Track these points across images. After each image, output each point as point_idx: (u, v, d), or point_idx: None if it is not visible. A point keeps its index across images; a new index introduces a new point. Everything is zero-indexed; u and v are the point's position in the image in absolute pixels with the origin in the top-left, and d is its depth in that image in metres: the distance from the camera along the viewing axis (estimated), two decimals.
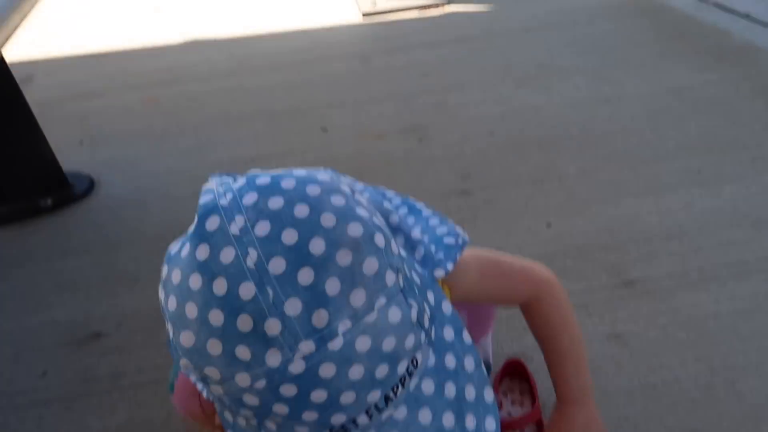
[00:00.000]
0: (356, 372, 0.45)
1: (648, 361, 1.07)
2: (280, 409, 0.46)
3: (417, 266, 0.57)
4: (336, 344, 0.44)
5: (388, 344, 0.47)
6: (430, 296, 0.55)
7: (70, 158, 1.78)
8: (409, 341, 0.49)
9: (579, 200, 1.49)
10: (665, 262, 1.28)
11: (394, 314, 0.47)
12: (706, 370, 1.04)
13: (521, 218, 1.44)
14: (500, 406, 0.97)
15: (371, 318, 0.45)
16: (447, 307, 0.57)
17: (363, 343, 0.45)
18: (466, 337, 0.56)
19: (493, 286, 0.79)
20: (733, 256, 1.28)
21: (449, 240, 0.69)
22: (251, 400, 0.46)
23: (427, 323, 0.52)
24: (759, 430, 0.94)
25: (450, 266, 0.63)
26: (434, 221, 0.74)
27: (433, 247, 0.65)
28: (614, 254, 1.31)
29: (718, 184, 1.51)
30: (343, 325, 0.44)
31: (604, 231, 1.38)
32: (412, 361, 0.50)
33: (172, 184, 1.65)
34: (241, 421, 0.50)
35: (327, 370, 0.44)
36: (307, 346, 0.43)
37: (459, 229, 0.71)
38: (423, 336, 0.51)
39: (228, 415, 0.51)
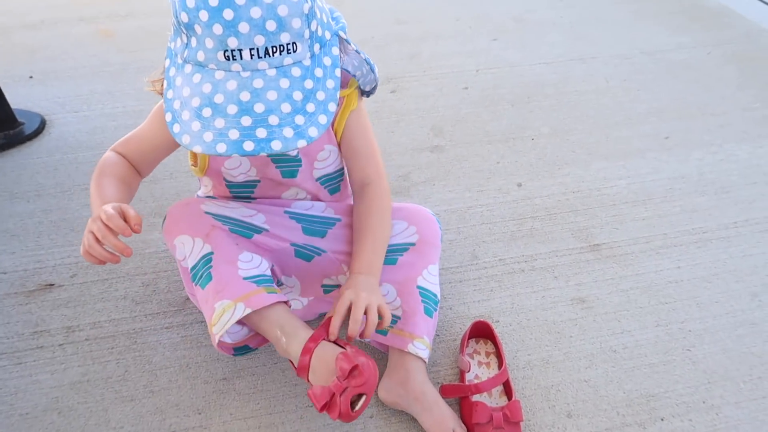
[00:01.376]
0: (255, 12, 0.70)
1: (610, 326, 1.09)
2: (203, 14, 0.69)
3: (330, 17, 0.81)
4: None
5: (282, 10, 0.71)
6: (327, 34, 0.78)
7: (18, 94, 1.67)
8: (296, 23, 0.72)
9: (550, 161, 1.48)
10: (631, 227, 1.29)
11: None
12: (665, 336, 1.07)
13: (492, 177, 1.42)
14: (468, 367, 0.97)
15: None
16: (335, 51, 0.80)
17: None
18: (338, 72, 0.78)
19: (363, 139, 0.96)
20: (696, 223, 1.30)
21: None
22: (190, 3, 0.70)
23: (315, 31, 0.75)
24: (711, 395, 0.97)
25: (353, 46, 0.84)
26: None
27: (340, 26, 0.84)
28: (582, 217, 1.31)
29: (685, 150, 1.52)
30: None
31: (573, 194, 1.38)
32: (293, 45, 0.73)
33: (130, 127, 1.55)
34: (175, 45, 0.76)
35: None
36: None
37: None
38: (307, 33, 0.74)
39: (171, 68, 0.77)
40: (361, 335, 0.85)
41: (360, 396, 0.80)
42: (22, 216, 1.29)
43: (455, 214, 1.32)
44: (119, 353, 1.02)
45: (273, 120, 0.72)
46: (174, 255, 0.91)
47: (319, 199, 1.03)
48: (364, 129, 0.97)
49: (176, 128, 0.73)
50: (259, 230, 0.94)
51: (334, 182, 1.03)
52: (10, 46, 1.99)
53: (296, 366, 0.84)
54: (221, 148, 0.71)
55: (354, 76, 0.92)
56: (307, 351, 0.82)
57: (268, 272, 0.92)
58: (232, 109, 0.71)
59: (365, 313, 0.84)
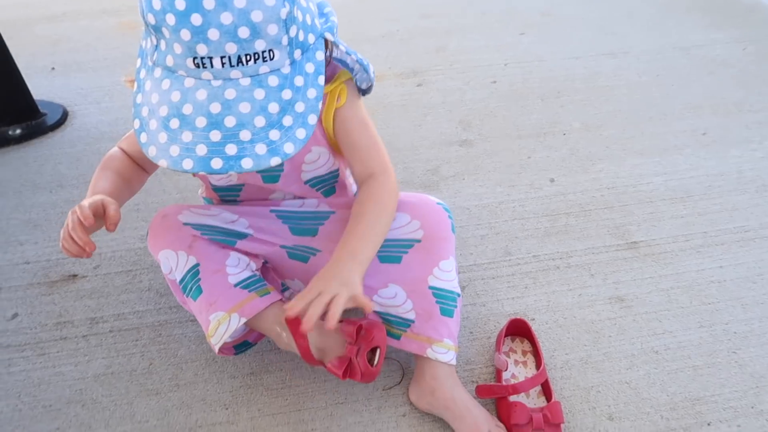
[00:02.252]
0: (226, 18, 0.63)
1: (650, 326, 1.04)
2: (170, 18, 0.63)
3: (316, 17, 0.74)
4: None
5: (256, 16, 0.64)
6: (311, 38, 0.72)
7: (40, 85, 1.65)
8: (272, 29, 0.66)
9: (583, 156, 1.43)
10: (669, 225, 1.24)
11: (270, 1, 0.64)
12: (709, 337, 1.02)
13: (524, 172, 1.38)
14: (505, 366, 0.93)
15: None
16: (320, 55, 0.73)
17: (239, 2, 0.63)
18: (321, 80, 0.72)
19: (359, 133, 0.87)
20: (737, 222, 1.24)
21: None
22: (156, 5, 0.64)
23: (296, 36, 0.69)
24: (760, 400, 0.93)
25: (342, 47, 0.77)
26: None
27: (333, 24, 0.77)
28: (618, 214, 1.27)
29: (723, 147, 1.47)
30: None
31: (608, 190, 1.33)
32: (270, 52, 0.67)
33: None
34: (146, 44, 0.70)
35: (208, 4, 0.62)
36: None
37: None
38: (285, 39, 0.68)
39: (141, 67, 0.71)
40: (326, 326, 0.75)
41: (374, 351, 0.81)
42: (44, 206, 1.27)
43: (486, 209, 1.28)
44: (144, 346, 0.99)
45: (245, 135, 0.66)
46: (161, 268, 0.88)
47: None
48: (360, 124, 0.87)
49: (143, 138, 0.68)
50: (242, 235, 0.90)
51: (326, 184, 0.95)
52: (32, 37, 1.98)
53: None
54: (187, 164, 0.65)
55: (351, 70, 0.84)
56: (305, 353, 0.81)
57: (258, 272, 0.89)
58: (201, 122, 0.66)
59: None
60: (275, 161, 0.67)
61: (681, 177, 1.37)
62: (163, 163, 0.66)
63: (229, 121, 0.66)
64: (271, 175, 0.90)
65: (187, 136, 0.66)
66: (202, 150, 0.66)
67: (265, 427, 0.88)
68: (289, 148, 0.68)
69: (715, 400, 0.93)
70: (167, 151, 0.66)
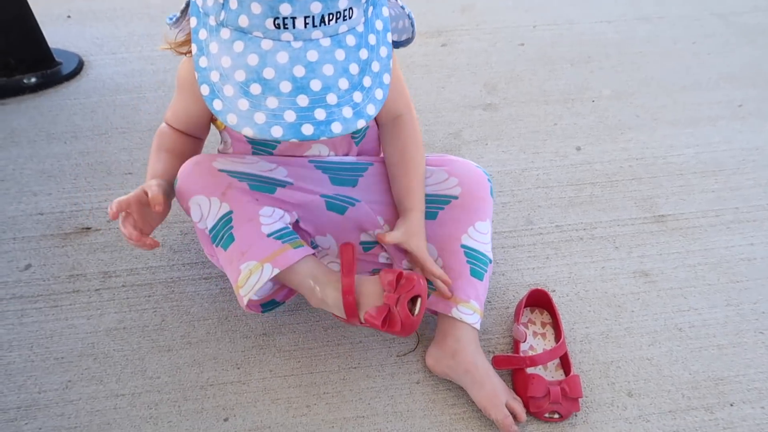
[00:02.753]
0: None
1: (675, 302, 1.01)
2: None
3: None
4: None
5: None
6: None
7: (56, 33, 1.61)
8: None
9: (612, 125, 1.38)
10: (699, 199, 1.19)
11: None
12: (736, 316, 0.99)
13: (549, 139, 1.33)
14: (523, 337, 0.90)
15: None
16: (386, 11, 0.72)
17: None
18: (389, 37, 0.72)
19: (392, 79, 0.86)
20: None
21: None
22: None
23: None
24: None
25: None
26: None
27: None
28: (646, 186, 1.22)
29: (760, 120, 1.40)
30: None
31: (637, 161, 1.28)
32: (350, 10, 0.65)
33: (168, 71, 1.50)
34: (204, 1, 0.66)
35: None
36: None
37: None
38: None
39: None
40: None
41: (415, 300, 0.77)
42: (58, 157, 1.25)
43: (509, 176, 1.24)
44: (156, 302, 0.98)
45: (331, 99, 0.64)
46: (189, 217, 0.85)
47: (346, 153, 0.95)
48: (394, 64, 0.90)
49: (218, 105, 0.65)
50: (282, 183, 0.85)
51: (360, 132, 0.93)
52: None
53: (340, 314, 0.80)
54: (277, 132, 0.63)
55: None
56: (349, 290, 0.77)
57: (290, 226, 0.85)
58: (286, 87, 0.63)
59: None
60: (361, 123, 0.66)
61: (713, 150, 1.31)
62: (248, 131, 0.64)
63: (315, 85, 0.64)
64: None
65: (272, 102, 0.64)
66: (290, 116, 0.63)
67: (276, 389, 0.87)
68: (371, 110, 0.67)
69: (739, 381, 0.90)
70: (251, 118, 0.64)
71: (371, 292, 0.79)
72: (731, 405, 0.87)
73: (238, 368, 0.90)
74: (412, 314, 0.77)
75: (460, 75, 1.53)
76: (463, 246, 0.89)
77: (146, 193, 0.77)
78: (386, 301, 0.77)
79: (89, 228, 1.10)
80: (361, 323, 0.79)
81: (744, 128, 1.37)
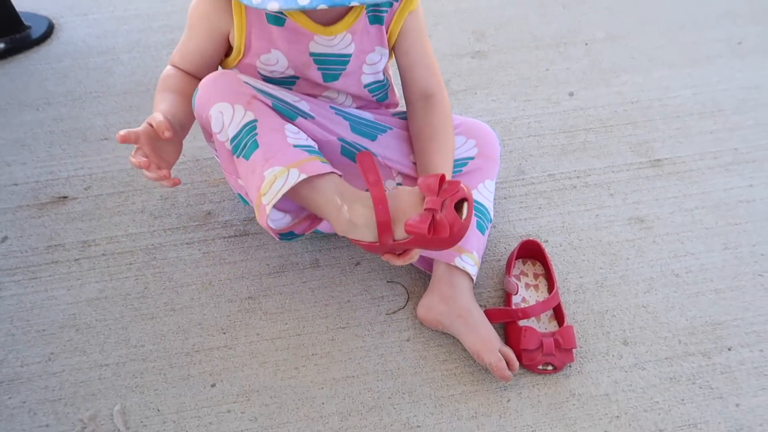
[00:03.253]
0: None
1: (672, 247, 0.98)
2: None
3: None
4: None
5: None
6: None
7: None
8: None
9: (606, 68, 1.32)
10: (697, 142, 1.15)
11: None
12: (734, 259, 0.96)
13: (541, 85, 1.28)
14: (515, 290, 0.88)
15: None
16: None
17: None
18: None
19: (421, 46, 0.87)
20: None
21: None
22: None
23: None
24: None
25: None
26: None
27: None
28: (641, 130, 1.18)
29: (760, 57, 1.35)
30: None
31: (632, 104, 1.23)
32: None
33: (143, 31, 1.44)
34: None
35: None
36: None
37: None
38: None
39: None
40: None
41: (461, 204, 0.70)
42: (32, 125, 1.21)
43: (499, 125, 1.19)
44: (138, 269, 0.95)
45: None
46: (208, 130, 0.80)
47: (363, 108, 0.92)
48: (425, 38, 0.87)
49: None
50: (304, 115, 0.81)
51: (381, 90, 0.92)
52: None
53: (371, 235, 0.73)
54: (273, 5, 0.65)
55: None
56: (380, 198, 0.71)
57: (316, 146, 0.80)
58: None
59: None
60: None
61: (712, 90, 1.26)
62: (274, 5, 0.66)
63: None
64: (333, 72, 0.84)
65: None
66: None
67: (263, 352, 0.85)
68: None
69: (737, 325, 0.88)
70: None
71: (407, 202, 0.72)
72: (729, 349, 0.85)
73: (224, 333, 0.88)
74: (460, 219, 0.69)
75: (447, 23, 1.46)
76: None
77: (151, 126, 0.72)
78: (429, 206, 0.69)
79: (66, 197, 1.07)
80: (395, 244, 0.73)
81: (744, 66, 1.32)
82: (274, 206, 0.74)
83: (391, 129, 0.92)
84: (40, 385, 0.82)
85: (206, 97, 0.77)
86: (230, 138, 0.76)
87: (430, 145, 0.87)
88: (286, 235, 0.87)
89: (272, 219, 0.79)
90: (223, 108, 0.75)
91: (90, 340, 0.87)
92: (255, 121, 0.75)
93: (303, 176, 0.72)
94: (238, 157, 0.76)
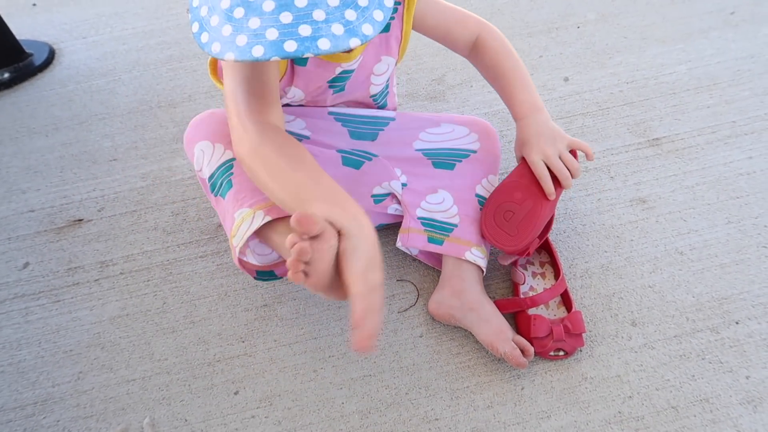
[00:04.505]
0: None
1: (675, 226, 0.99)
2: None
3: None
4: None
5: None
6: None
7: (23, 24, 1.58)
8: None
9: (599, 50, 1.33)
10: (694, 117, 1.16)
11: None
12: (737, 233, 0.97)
13: (536, 72, 1.29)
14: (522, 279, 0.90)
15: None
16: None
17: None
18: None
19: (446, 12, 0.88)
20: None
21: None
22: None
23: None
24: None
25: None
26: None
27: None
28: (638, 110, 1.19)
29: (754, 26, 1.35)
30: None
31: (627, 84, 1.24)
32: None
33: (141, 50, 1.47)
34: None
35: None
36: None
37: None
38: None
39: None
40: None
41: None
42: (42, 151, 1.24)
43: (496, 117, 1.21)
44: (155, 285, 0.99)
45: (318, 15, 0.59)
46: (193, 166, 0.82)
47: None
48: (441, 5, 0.88)
49: (204, 38, 0.61)
50: (298, 137, 0.83)
51: (383, 97, 0.94)
52: None
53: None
54: (258, 51, 0.58)
55: None
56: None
57: None
58: (269, 6, 0.58)
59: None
60: (354, 42, 0.59)
61: (707, 64, 1.27)
62: (230, 56, 0.58)
63: (300, 2, 0.59)
64: (340, 85, 0.86)
65: (254, 23, 0.59)
66: (272, 34, 0.58)
67: (282, 357, 0.88)
68: (368, 30, 0.60)
69: (744, 298, 0.89)
70: (233, 42, 0.59)
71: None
72: (737, 323, 0.87)
73: (243, 341, 0.91)
74: None
75: None
76: (477, 195, 0.92)
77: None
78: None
79: (81, 219, 1.10)
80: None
81: (737, 37, 1.32)
82: (259, 241, 0.76)
83: (392, 119, 0.94)
84: (71, 403, 0.86)
85: (192, 134, 0.80)
86: (207, 177, 0.79)
87: (497, 83, 0.91)
88: (264, 274, 0.86)
89: (258, 253, 0.79)
90: (205, 147, 0.78)
91: (116, 357, 0.91)
92: (232, 160, 0.77)
93: (267, 218, 0.72)
94: (216, 196, 0.79)
